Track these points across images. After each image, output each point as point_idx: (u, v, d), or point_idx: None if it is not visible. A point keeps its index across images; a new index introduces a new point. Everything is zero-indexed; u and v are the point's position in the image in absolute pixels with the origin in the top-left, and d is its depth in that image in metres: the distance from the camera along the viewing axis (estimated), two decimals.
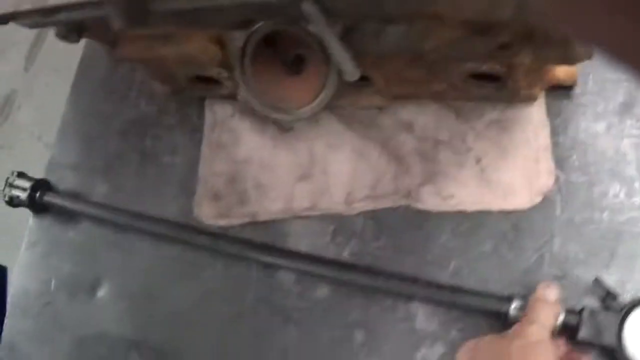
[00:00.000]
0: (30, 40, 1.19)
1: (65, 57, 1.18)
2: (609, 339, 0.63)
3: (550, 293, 0.64)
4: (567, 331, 0.64)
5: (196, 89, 0.79)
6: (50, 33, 1.23)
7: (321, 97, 0.69)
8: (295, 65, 0.71)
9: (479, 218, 0.73)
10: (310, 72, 0.70)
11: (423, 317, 0.71)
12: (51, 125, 1.12)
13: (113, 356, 0.78)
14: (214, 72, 0.74)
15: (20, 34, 1.15)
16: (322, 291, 0.74)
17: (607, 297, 0.65)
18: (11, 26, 0.64)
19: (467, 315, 0.70)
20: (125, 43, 0.73)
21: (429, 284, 0.70)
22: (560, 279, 0.69)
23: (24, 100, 1.18)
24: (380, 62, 0.68)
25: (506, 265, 0.71)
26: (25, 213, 0.84)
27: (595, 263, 0.68)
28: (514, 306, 0.66)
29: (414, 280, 0.70)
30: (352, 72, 0.66)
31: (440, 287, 0.70)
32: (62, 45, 1.09)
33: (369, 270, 0.71)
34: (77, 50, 1.13)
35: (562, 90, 0.74)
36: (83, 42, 0.88)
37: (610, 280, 0.66)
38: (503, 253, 0.71)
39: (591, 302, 0.66)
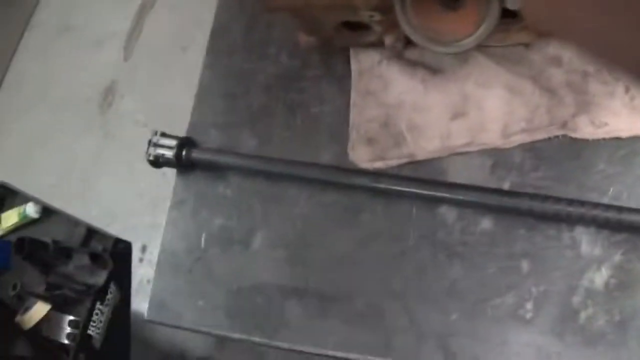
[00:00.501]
0: (127, 31, 1.21)
1: (163, 45, 1.20)
2: None
3: None
4: None
5: (342, 38, 0.80)
6: (147, 23, 1.26)
7: (484, 27, 0.71)
8: (452, 1, 0.73)
9: (634, 144, 0.74)
10: (467, 6, 0.72)
11: (587, 243, 0.72)
12: (155, 111, 1.13)
13: (271, 305, 0.78)
14: (365, 16, 0.76)
15: (117, 25, 1.17)
16: (485, 225, 0.75)
17: None
18: (108, 18, 0.66)
19: (629, 239, 0.71)
20: None
21: (596, 205, 0.71)
22: None
23: (125, 90, 1.20)
24: None
25: None
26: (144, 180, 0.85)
27: None
28: None
29: (581, 202, 0.71)
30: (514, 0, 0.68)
31: (607, 206, 0.71)
32: (160, 34, 1.12)
33: (534, 195, 0.72)
34: (173, 39, 1.15)
35: None
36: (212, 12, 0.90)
37: None
38: None
39: None
